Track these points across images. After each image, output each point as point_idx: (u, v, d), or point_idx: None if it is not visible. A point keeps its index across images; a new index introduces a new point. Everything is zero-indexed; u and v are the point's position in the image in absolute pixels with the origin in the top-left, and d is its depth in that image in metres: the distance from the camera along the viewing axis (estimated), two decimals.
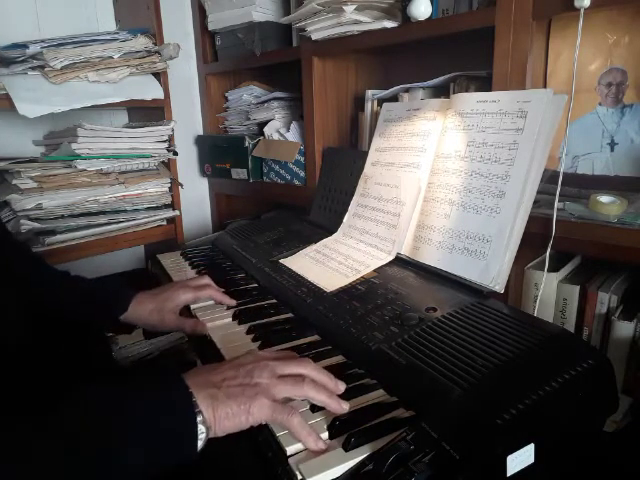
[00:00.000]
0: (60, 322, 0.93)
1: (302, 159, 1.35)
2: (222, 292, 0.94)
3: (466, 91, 1.03)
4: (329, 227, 1.14)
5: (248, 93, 1.56)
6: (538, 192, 0.79)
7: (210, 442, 0.65)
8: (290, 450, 0.54)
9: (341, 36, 1.14)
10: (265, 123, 1.48)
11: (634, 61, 0.87)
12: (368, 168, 1.10)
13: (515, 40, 0.85)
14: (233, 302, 0.91)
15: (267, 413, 0.55)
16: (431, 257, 0.88)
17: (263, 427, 0.58)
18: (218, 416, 0.53)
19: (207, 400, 0.53)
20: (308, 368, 0.60)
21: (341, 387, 0.61)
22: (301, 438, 0.54)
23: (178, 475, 0.64)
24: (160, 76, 1.41)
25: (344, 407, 0.58)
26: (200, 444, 0.52)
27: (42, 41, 1.20)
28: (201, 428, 0.52)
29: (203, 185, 1.79)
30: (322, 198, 1.25)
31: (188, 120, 1.71)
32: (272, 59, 1.38)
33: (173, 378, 0.55)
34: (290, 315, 0.87)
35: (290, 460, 0.53)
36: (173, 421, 0.52)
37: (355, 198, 1.10)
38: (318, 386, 0.58)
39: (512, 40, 0.85)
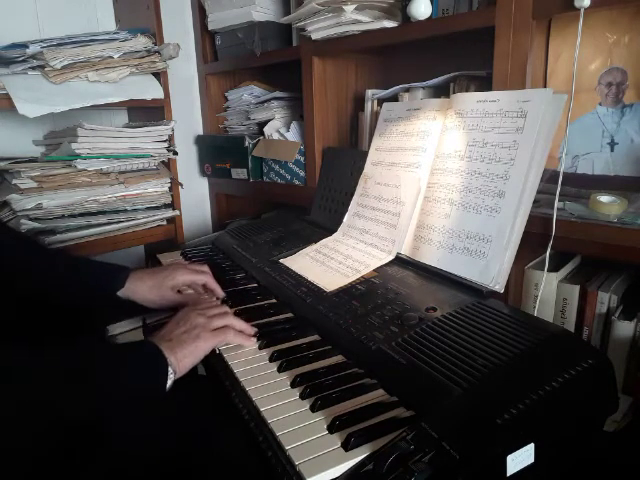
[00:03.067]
0: (55, 317, 0.93)
1: (302, 159, 1.35)
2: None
3: (466, 91, 1.03)
4: (329, 227, 1.14)
5: (248, 93, 1.56)
6: (538, 192, 0.79)
7: (211, 442, 0.65)
8: (290, 450, 0.54)
9: (341, 36, 1.14)
10: (265, 123, 1.48)
11: (634, 61, 0.87)
12: (368, 168, 1.10)
13: (515, 40, 0.85)
14: (222, 294, 0.95)
15: (212, 341, 0.74)
16: (431, 257, 0.88)
17: (263, 427, 0.59)
18: (179, 357, 0.69)
19: (168, 350, 0.69)
20: (230, 320, 0.78)
21: (252, 332, 0.80)
22: (237, 341, 0.76)
23: (179, 474, 0.64)
24: (160, 76, 1.41)
25: (252, 341, 0.78)
26: (169, 383, 0.67)
27: (42, 41, 1.20)
28: (169, 369, 0.67)
29: (203, 185, 1.79)
30: (322, 198, 1.25)
31: (188, 120, 1.70)
32: (272, 59, 1.38)
33: (141, 342, 0.75)
34: (290, 315, 0.87)
35: (290, 460, 0.53)
36: (150, 363, 0.68)
37: (355, 198, 1.10)
38: (237, 331, 0.78)
39: (512, 40, 0.85)
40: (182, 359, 0.69)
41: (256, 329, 0.80)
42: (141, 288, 0.92)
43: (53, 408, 0.59)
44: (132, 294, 0.91)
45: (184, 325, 0.75)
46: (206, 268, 0.98)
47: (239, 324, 0.79)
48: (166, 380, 0.67)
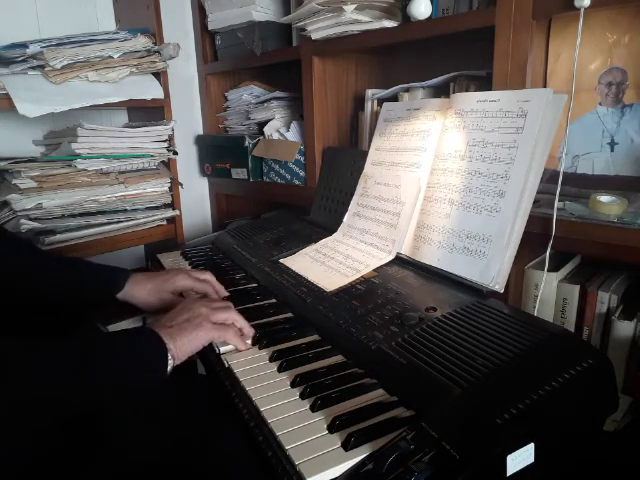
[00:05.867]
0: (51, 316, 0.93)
1: (302, 159, 1.35)
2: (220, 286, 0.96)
3: (466, 91, 1.03)
4: (329, 227, 1.13)
5: (248, 93, 1.56)
6: (538, 192, 0.79)
7: (211, 442, 0.65)
8: (290, 450, 0.54)
9: (341, 36, 1.14)
10: (265, 123, 1.48)
11: (634, 61, 0.87)
12: (368, 168, 1.10)
13: (515, 40, 0.85)
14: (225, 292, 0.95)
15: (212, 333, 0.74)
16: (431, 257, 0.88)
17: (263, 427, 0.59)
18: (178, 345, 0.70)
19: (167, 336, 0.70)
20: (233, 315, 0.79)
21: (251, 331, 0.80)
22: (234, 343, 0.76)
23: (178, 475, 0.64)
24: (160, 76, 1.41)
25: (247, 345, 0.78)
26: (169, 369, 0.69)
27: (41, 41, 1.20)
28: (169, 355, 0.69)
29: (203, 185, 1.79)
30: (322, 198, 1.25)
31: (188, 120, 1.71)
32: (272, 59, 1.38)
33: (141, 328, 0.76)
34: (290, 315, 0.87)
35: (290, 460, 0.53)
36: (150, 351, 0.69)
37: (355, 198, 1.10)
38: (237, 331, 0.78)
39: (512, 40, 0.85)
40: (181, 347, 0.70)
41: (254, 330, 0.80)
42: (140, 292, 0.91)
43: (53, 402, 0.59)
44: (131, 297, 0.91)
45: (186, 313, 0.75)
46: (208, 276, 0.95)
47: (241, 320, 0.79)
48: (166, 366, 0.68)
